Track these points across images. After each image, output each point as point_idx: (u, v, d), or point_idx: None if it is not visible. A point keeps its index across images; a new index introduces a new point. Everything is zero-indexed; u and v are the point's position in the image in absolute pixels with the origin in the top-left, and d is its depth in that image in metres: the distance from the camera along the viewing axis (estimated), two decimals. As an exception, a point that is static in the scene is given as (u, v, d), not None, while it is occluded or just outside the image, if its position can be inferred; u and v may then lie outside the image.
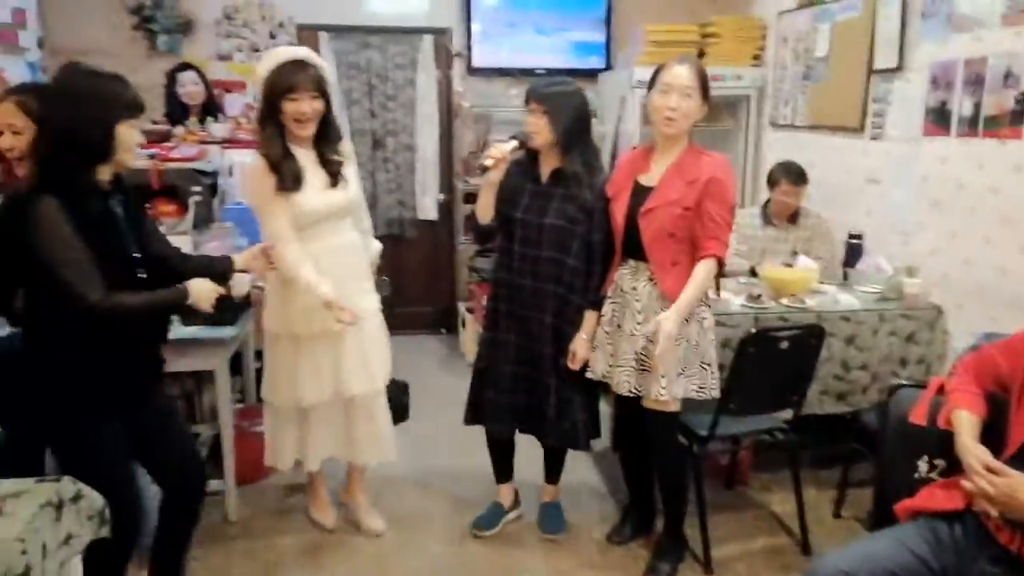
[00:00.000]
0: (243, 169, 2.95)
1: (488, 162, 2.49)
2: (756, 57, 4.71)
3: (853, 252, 3.38)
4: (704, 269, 2.34)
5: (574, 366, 2.55)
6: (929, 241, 3.28)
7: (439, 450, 3.48)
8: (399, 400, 3.09)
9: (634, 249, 2.44)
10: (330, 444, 2.71)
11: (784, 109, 4.45)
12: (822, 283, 3.26)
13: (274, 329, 2.56)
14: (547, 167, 2.54)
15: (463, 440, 3.07)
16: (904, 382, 2.29)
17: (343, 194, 2.48)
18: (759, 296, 3.06)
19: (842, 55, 3.89)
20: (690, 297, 2.32)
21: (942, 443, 1.86)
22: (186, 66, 4.19)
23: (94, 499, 1.76)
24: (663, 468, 2.61)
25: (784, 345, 2.59)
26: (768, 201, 3.68)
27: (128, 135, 1.89)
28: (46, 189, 1.79)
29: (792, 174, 3.57)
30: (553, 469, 2.90)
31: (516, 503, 2.96)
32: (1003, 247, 2.90)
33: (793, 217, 3.64)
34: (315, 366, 2.53)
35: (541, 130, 2.45)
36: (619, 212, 2.45)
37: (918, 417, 1.96)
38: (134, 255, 1.96)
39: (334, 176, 2.45)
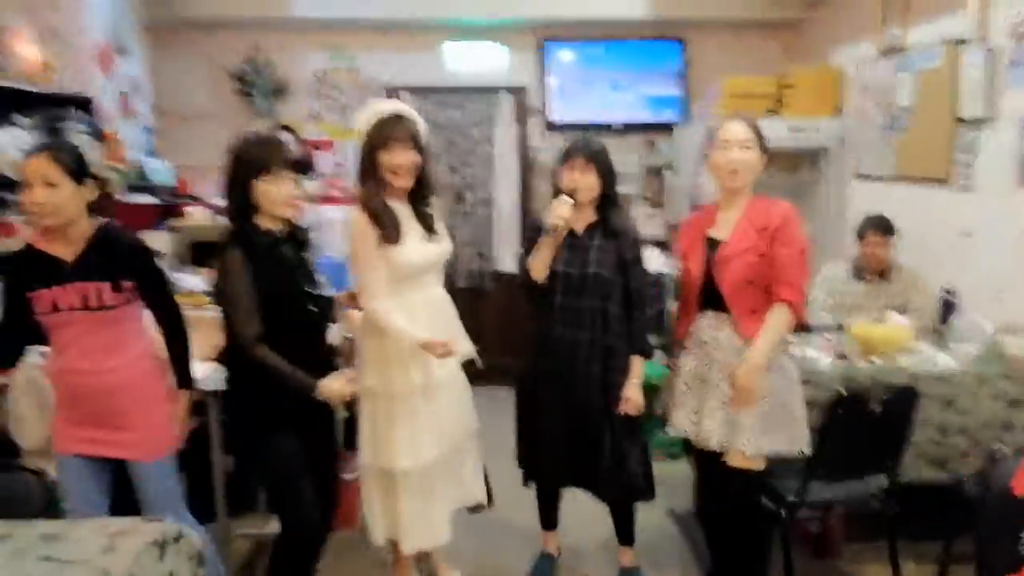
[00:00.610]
0: (341, 224, 3.06)
1: (560, 222, 2.51)
2: (836, 108, 4.67)
3: (947, 309, 3.27)
4: (777, 315, 2.39)
5: (631, 411, 2.60)
6: (1027, 299, 3.15)
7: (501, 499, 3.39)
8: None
9: (712, 300, 2.49)
10: (422, 524, 2.57)
11: (867, 160, 4.38)
12: (916, 341, 3.16)
13: (371, 385, 2.50)
14: (582, 221, 2.62)
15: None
16: (1006, 449, 2.19)
17: (440, 247, 2.53)
18: (845, 355, 2.98)
19: (925, 104, 3.82)
20: (765, 344, 2.36)
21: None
22: (282, 127, 4.43)
23: (194, 540, 1.85)
24: (745, 532, 2.56)
25: (877, 408, 2.52)
26: (858, 256, 3.61)
27: (265, 190, 2.16)
28: (231, 242, 2.16)
29: (879, 225, 3.51)
30: (624, 529, 2.84)
31: (560, 553, 2.98)
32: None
33: (885, 272, 3.55)
34: (416, 423, 2.48)
35: (592, 186, 2.56)
36: (695, 265, 2.52)
37: (1021, 486, 1.88)
38: (306, 290, 2.26)
39: (429, 229, 2.50)
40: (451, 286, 2.74)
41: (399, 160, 2.37)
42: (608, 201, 2.63)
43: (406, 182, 2.42)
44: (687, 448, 2.62)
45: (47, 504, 2.02)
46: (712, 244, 2.51)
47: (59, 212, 2.08)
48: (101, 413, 2.21)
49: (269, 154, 2.18)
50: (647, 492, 2.68)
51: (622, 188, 5.21)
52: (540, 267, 2.58)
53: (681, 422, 2.56)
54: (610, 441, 2.60)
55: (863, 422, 2.52)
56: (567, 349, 2.60)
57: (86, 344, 2.16)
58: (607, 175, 2.60)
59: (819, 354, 3.03)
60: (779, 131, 4.56)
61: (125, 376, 2.24)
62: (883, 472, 2.63)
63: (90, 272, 2.13)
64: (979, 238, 3.47)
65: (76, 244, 2.15)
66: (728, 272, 2.43)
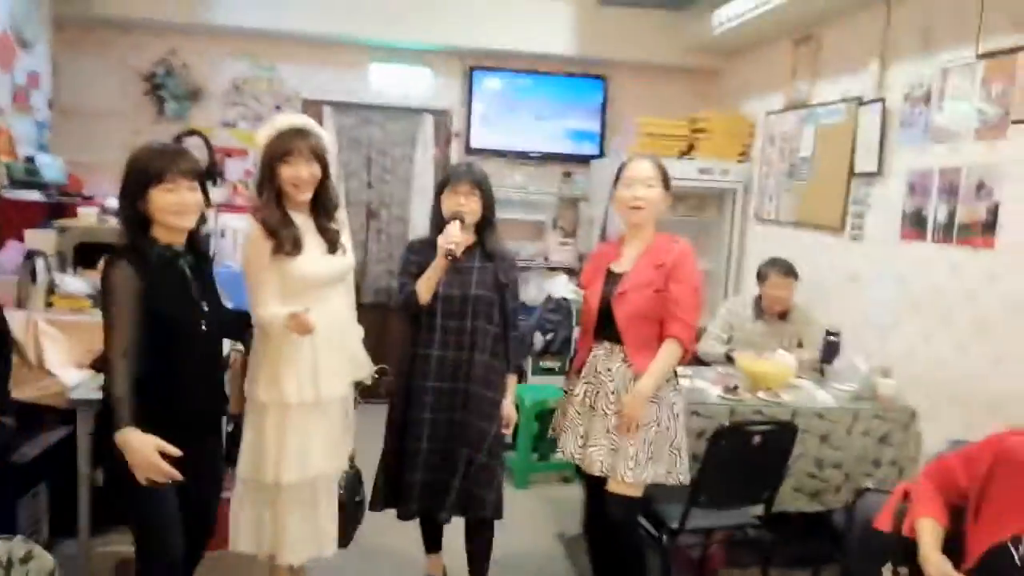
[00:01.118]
0: (239, 234, 2.98)
1: (453, 247, 2.51)
2: (743, 153, 4.87)
3: (830, 349, 3.42)
4: (667, 350, 2.46)
5: (508, 431, 2.70)
6: (905, 342, 3.33)
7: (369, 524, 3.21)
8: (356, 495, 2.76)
9: (607, 332, 2.54)
10: (307, 535, 2.48)
11: (769, 205, 4.58)
12: (799, 378, 3.29)
13: (263, 399, 2.39)
14: (461, 244, 2.61)
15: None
16: (870, 486, 2.29)
17: (342, 260, 2.48)
18: (736, 388, 3.08)
19: (825, 156, 4.03)
20: (653, 376, 2.43)
21: (907, 550, 1.85)
22: (192, 132, 4.31)
23: (44, 560, 1.74)
24: (625, 555, 2.59)
25: (757, 440, 2.61)
26: (759, 297, 3.73)
27: (157, 200, 2.03)
28: (119, 255, 2.04)
29: (780, 266, 3.64)
30: (482, 560, 2.78)
31: (445, 573, 2.95)
32: (977, 353, 2.94)
33: (784, 313, 3.68)
34: (303, 440, 2.39)
35: (476, 210, 2.61)
36: (593, 297, 2.58)
37: (883, 523, 1.96)
38: (202, 308, 2.18)
39: (332, 243, 2.45)
40: (358, 302, 2.67)
41: (299, 173, 2.33)
42: (487, 224, 2.68)
43: (305, 195, 2.38)
44: (579, 472, 2.63)
45: None
46: (611, 277, 2.57)
47: None
48: None
49: (165, 161, 2.07)
50: (500, 511, 2.70)
51: (539, 216, 5.37)
52: (428, 290, 2.59)
53: (569, 447, 2.60)
54: (486, 461, 2.62)
55: (744, 452, 2.60)
56: (448, 370, 2.62)
57: None
58: (488, 199, 2.65)
59: (709, 386, 3.12)
60: (689, 171, 4.73)
61: None
62: (761, 502, 2.70)
63: None
64: (865, 283, 3.66)
65: None
66: (624, 305, 2.49)
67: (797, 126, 4.31)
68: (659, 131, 4.84)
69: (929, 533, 1.78)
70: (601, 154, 5.34)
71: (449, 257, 2.51)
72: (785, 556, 3.11)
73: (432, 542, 2.92)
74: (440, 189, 2.67)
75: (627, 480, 2.43)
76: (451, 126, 5.34)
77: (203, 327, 2.19)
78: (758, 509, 2.74)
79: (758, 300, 3.72)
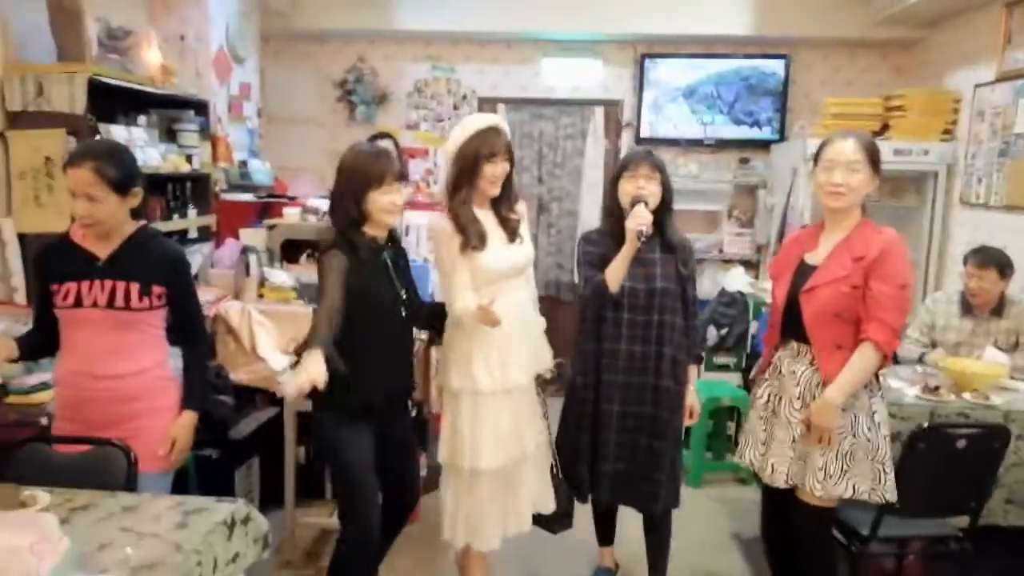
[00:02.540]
0: (429, 230, 3.14)
1: (644, 228, 2.44)
2: (946, 132, 4.44)
3: (1051, 347, 3.05)
4: (862, 354, 2.21)
5: (692, 421, 2.68)
6: None
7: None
8: (563, 504, 2.77)
9: (796, 330, 2.35)
10: (500, 520, 2.57)
11: (977, 187, 4.14)
12: (1013, 378, 2.96)
13: (456, 386, 2.48)
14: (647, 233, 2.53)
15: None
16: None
17: (522, 251, 2.56)
18: (937, 388, 2.83)
19: (1047, 132, 3.58)
20: (845, 383, 2.21)
21: None
22: (384, 135, 4.55)
23: (260, 523, 1.95)
24: (811, 567, 2.42)
25: (961, 444, 2.38)
26: (963, 291, 3.39)
27: (377, 201, 2.26)
28: (333, 246, 2.25)
29: (979, 255, 3.28)
30: (662, 550, 2.75)
31: (618, 568, 2.95)
32: None
33: (999, 308, 3.30)
34: (495, 426, 2.46)
35: (656, 193, 2.54)
36: (780, 291, 2.41)
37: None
38: (400, 295, 2.38)
39: (512, 232, 2.53)
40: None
41: (498, 171, 2.44)
42: (666, 213, 2.60)
43: (499, 190, 2.49)
44: (757, 476, 2.53)
45: (128, 477, 2.11)
46: (803, 268, 2.36)
47: (102, 224, 2.11)
48: (105, 421, 2.13)
49: (383, 166, 2.29)
50: (678, 500, 2.71)
51: (713, 205, 5.20)
52: (618, 277, 2.52)
53: (748, 454, 2.49)
54: (668, 453, 2.61)
55: (946, 457, 2.38)
56: (637, 363, 2.58)
57: (100, 346, 2.12)
58: (668, 185, 2.59)
59: (906, 385, 2.89)
60: (884, 154, 4.33)
61: (136, 384, 2.18)
62: (966, 512, 2.47)
63: (122, 271, 2.13)
64: (1097, 274, 3.22)
65: (113, 242, 2.16)
66: (813, 301, 2.28)
67: (1012, 99, 3.86)
68: (848, 111, 4.53)
69: None
70: (781, 138, 5.08)
71: (640, 239, 2.45)
72: (995, 573, 2.82)
73: (606, 534, 2.94)
74: (617, 175, 2.61)
75: (816, 494, 2.27)
76: (622, 116, 5.30)
77: (402, 313, 2.39)
78: (963, 521, 2.50)
79: (963, 295, 3.38)
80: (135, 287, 2.14)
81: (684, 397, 2.63)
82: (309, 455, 3.45)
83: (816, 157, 2.38)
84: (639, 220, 2.44)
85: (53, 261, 2.16)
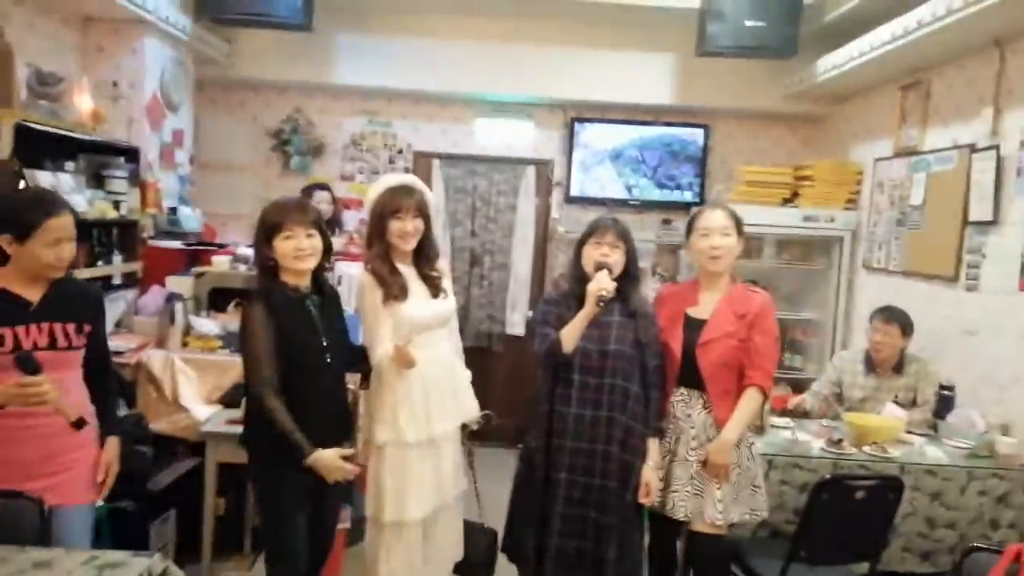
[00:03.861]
0: (353, 281, 3.20)
1: (606, 294, 2.47)
2: (851, 200, 4.77)
3: (944, 404, 3.29)
4: (750, 397, 2.54)
5: (648, 500, 2.55)
6: (1027, 399, 3.16)
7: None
8: (486, 553, 2.84)
9: (689, 378, 2.60)
10: (433, 568, 2.60)
11: (878, 253, 4.45)
12: (910, 433, 3.17)
13: (381, 439, 2.51)
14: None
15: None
16: (980, 544, 2.19)
17: (445, 304, 2.64)
18: (840, 441, 3.01)
19: (937, 204, 3.90)
20: (738, 424, 2.52)
21: (1019, 617, 1.77)
22: (319, 186, 4.61)
23: (179, 576, 1.93)
24: None
25: (861, 495, 2.54)
26: (868, 350, 3.60)
27: (281, 247, 2.34)
28: (254, 295, 2.36)
29: (884, 313, 3.52)
30: None
31: None
32: (1107, 412, 2.77)
33: (899, 366, 3.52)
34: (422, 476, 2.50)
35: (619, 261, 2.57)
36: (675, 343, 2.61)
37: (995, 585, 1.88)
38: (324, 343, 2.41)
39: (435, 288, 2.62)
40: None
41: (406, 227, 2.53)
42: (629, 279, 2.61)
43: (410, 245, 2.58)
44: (650, 515, 2.71)
45: (41, 532, 2.05)
46: (691, 323, 2.62)
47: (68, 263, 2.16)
48: (38, 460, 2.14)
49: (284, 213, 2.36)
50: None
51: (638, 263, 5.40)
52: (573, 337, 2.53)
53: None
54: (618, 527, 2.54)
55: (847, 507, 2.53)
56: (586, 428, 2.54)
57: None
58: (632, 253, 2.61)
59: (811, 438, 3.06)
60: (794, 219, 4.68)
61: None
62: (866, 559, 2.62)
63: (56, 313, 2.15)
64: (983, 337, 3.49)
65: (42, 286, 2.16)
66: (710, 353, 2.56)
67: (907, 173, 4.20)
68: (762, 179, 4.83)
69: (1043, 600, 1.70)
70: (701, 201, 5.35)
71: (600, 305, 2.48)
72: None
73: None
74: (583, 240, 2.63)
75: (717, 523, 2.50)
76: (552, 176, 5.50)
77: (327, 360, 2.41)
78: (863, 568, 2.65)
79: (868, 353, 3.61)
80: (71, 327, 2.19)
81: (635, 470, 2.53)
82: (229, 507, 3.38)
83: (689, 227, 2.69)
84: (601, 285, 2.47)
85: None
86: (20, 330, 2.10)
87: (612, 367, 2.54)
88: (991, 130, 3.50)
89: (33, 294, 2.15)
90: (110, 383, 2.44)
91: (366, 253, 2.61)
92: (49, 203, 2.13)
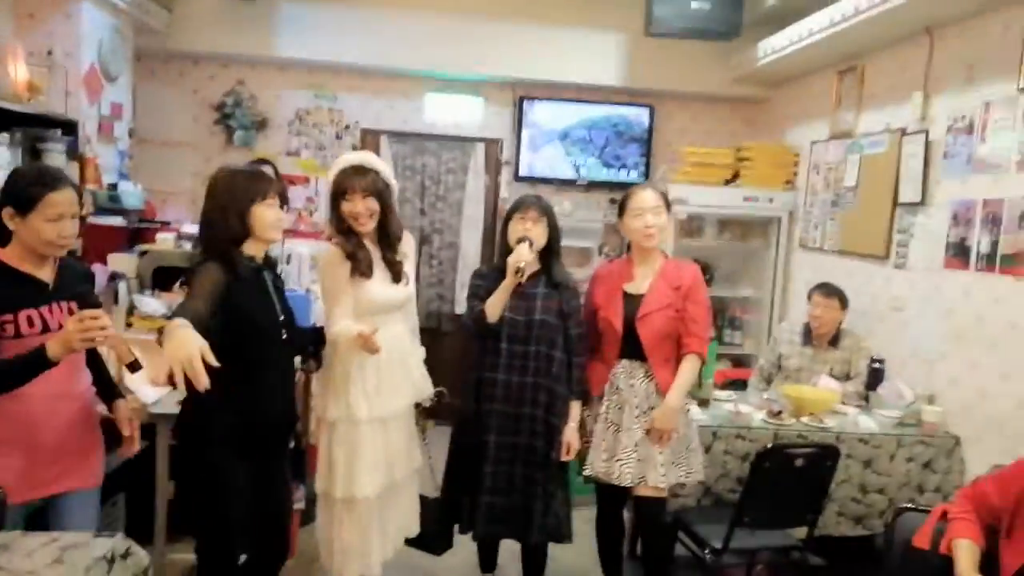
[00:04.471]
0: (303, 260, 3.18)
1: (523, 265, 2.62)
2: (788, 182, 4.95)
3: (875, 376, 3.48)
4: (689, 365, 2.71)
5: (569, 457, 2.74)
6: (950, 370, 3.36)
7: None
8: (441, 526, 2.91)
9: (630, 351, 2.75)
10: (387, 542, 2.64)
11: (814, 232, 4.64)
12: (844, 404, 3.35)
13: (332, 415, 2.54)
14: (527, 270, 2.71)
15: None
16: (909, 506, 2.35)
17: (404, 289, 2.65)
18: (779, 413, 3.16)
19: (870, 186, 4.09)
20: (679, 390, 2.68)
21: (944, 569, 1.92)
22: (263, 161, 4.50)
23: (141, 557, 1.91)
24: (655, 548, 2.82)
25: (799, 462, 2.68)
26: (808, 321, 3.79)
27: (264, 215, 2.25)
28: (207, 260, 2.19)
29: (824, 288, 3.72)
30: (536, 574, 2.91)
31: None
32: (1022, 382, 2.98)
33: (834, 340, 3.73)
34: (374, 453, 2.53)
35: (542, 236, 2.72)
36: (615, 318, 2.75)
37: (921, 541, 2.04)
38: (280, 318, 2.36)
39: (396, 274, 2.62)
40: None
41: (355, 208, 2.51)
42: (551, 254, 2.79)
43: (366, 227, 2.55)
44: (596, 485, 2.88)
45: None
46: (629, 298, 2.76)
47: (72, 241, 2.16)
48: (55, 445, 2.15)
49: (266, 181, 2.32)
50: (568, 535, 2.79)
51: (585, 242, 5.49)
52: (496, 308, 2.69)
53: (597, 464, 2.75)
54: (543, 484, 2.72)
55: (787, 475, 2.68)
56: (513, 393, 2.71)
57: (67, 365, 2.10)
58: (554, 229, 2.77)
59: (753, 410, 3.20)
60: (734, 199, 4.83)
61: (87, 400, 2.26)
62: (804, 524, 2.77)
63: (68, 292, 2.16)
64: (910, 313, 3.70)
65: (49, 265, 2.17)
66: (649, 325, 2.70)
67: (841, 155, 4.38)
68: (704, 160, 4.95)
69: (966, 553, 1.85)
70: (646, 181, 5.46)
71: (519, 276, 2.61)
72: (827, 578, 3.17)
73: (488, 562, 3.05)
74: (508, 217, 2.80)
75: (660, 485, 2.66)
76: (501, 155, 5.52)
77: (283, 335, 2.37)
78: (802, 532, 2.80)
79: (807, 326, 3.79)
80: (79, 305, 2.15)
81: (559, 431, 2.72)
82: (180, 483, 3.34)
83: (622, 208, 2.82)
84: (519, 256, 2.62)
85: (2, 289, 2.06)
86: (44, 310, 2.12)
87: (537, 335, 2.71)
88: (921, 115, 3.68)
89: (46, 274, 2.15)
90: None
91: (330, 231, 2.61)
92: (51, 178, 2.10)
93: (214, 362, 1.81)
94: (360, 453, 2.50)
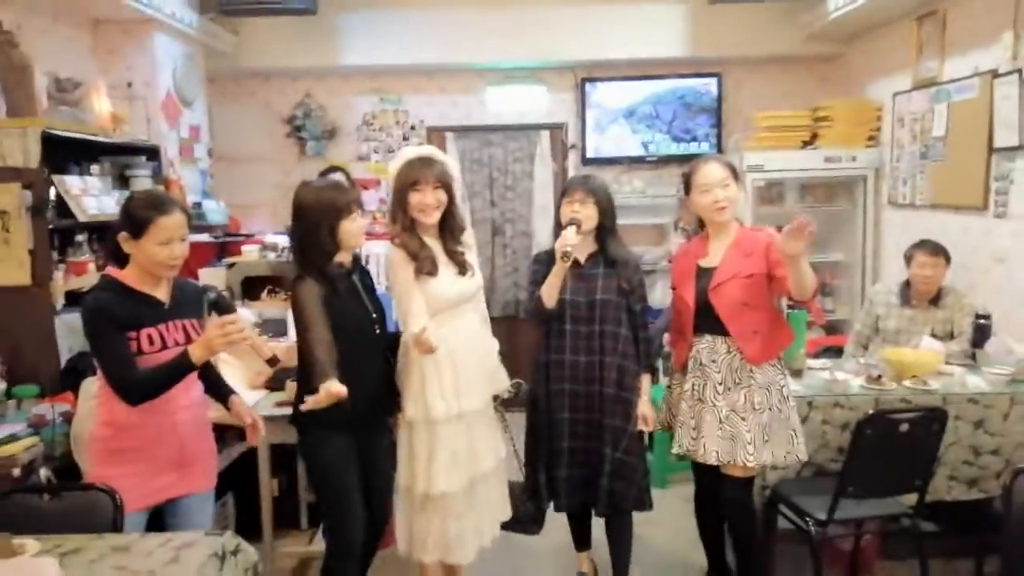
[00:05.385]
0: (383, 258, 3.23)
1: (569, 249, 2.59)
2: (871, 138, 4.72)
3: (981, 333, 3.27)
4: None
5: (648, 427, 2.75)
6: (1065, 321, 3.14)
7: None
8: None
9: (708, 325, 2.66)
10: (484, 532, 2.68)
11: (903, 188, 4.41)
12: (949, 364, 3.17)
13: (410, 415, 2.55)
14: (584, 252, 2.74)
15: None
16: (1031, 466, 2.20)
17: (472, 281, 2.65)
18: (879, 377, 3.02)
19: (961, 134, 3.86)
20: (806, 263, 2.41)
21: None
22: (335, 168, 4.64)
23: (249, 554, 2.00)
24: (738, 530, 2.73)
25: (904, 428, 2.56)
26: (907, 282, 3.62)
27: (348, 229, 2.39)
28: (302, 275, 2.37)
29: (927, 246, 3.53)
30: (623, 550, 2.87)
31: (596, 573, 3.06)
32: None
33: (936, 299, 3.54)
34: (454, 450, 2.54)
35: (591, 217, 2.70)
36: (688, 294, 2.69)
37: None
38: (373, 315, 2.51)
39: (461, 265, 2.62)
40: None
41: (425, 199, 2.53)
42: (606, 232, 2.76)
43: (432, 219, 2.57)
44: (693, 464, 2.82)
45: (114, 521, 2.13)
46: (703, 272, 2.69)
47: (182, 262, 2.28)
48: (174, 454, 2.27)
49: (348, 196, 2.43)
50: (648, 503, 2.81)
51: (659, 219, 5.40)
52: (551, 294, 2.68)
53: (684, 441, 2.70)
54: (623, 455, 2.72)
55: (892, 441, 2.55)
56: (582, 373, 2.72)
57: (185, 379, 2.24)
58: (605, 207, 2.73)
59: (850, 377, 3.07)
60: (814, 161, 4.65)
61: (201, 408, 2.40)
62: (913, 490, 2.65)
63: (183, 312, 2.29)
64: (1013, 264, 3.47)
65: (164, 286, 2.27)
66: (722, 296, 2.62)
67: (927, 105, 4.15)
68: (778, 124, 4.78)
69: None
70: (719, 152, 5.31)
71: (565, 260, 2.58)
72: (945, 547, 3.01)
73: (581, 539, 3.05)
74: (560, 200, 2.81)
75: (748, 465, 2.57)
76: (567, 139, 5.48)
77: (376, 331, 2.50)
78: (911, 499, 2.68)
79: (905, 286, 3.61)
80: (196, 323, 2.32)
81: (633, 404, 2.73)
82: (283, 487, 3.47)
83: (687, 184, 2.73)
84: (565, 241, 2.59)
85: (123, 309, 2.17)
86: (162, 328, 2.23)
87: (601, 315, 2.71)
88: (1012, 54, 3.44)
89: (162, 294, 2.27)
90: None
91: (392, 228, 2.61)
92: (160, 202, 2.21)
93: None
94: (438, 451, 2.52)
